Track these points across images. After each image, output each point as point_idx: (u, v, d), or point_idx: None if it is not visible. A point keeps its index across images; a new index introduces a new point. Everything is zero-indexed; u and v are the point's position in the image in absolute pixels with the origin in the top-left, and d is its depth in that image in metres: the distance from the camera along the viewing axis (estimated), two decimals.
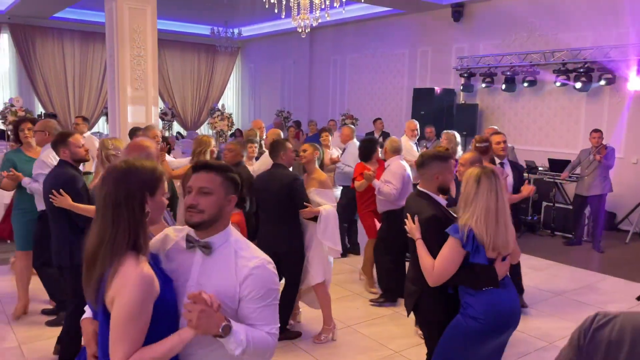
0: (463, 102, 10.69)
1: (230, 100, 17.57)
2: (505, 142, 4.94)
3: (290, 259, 4.17)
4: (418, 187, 3.06)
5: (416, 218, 2.83)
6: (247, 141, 5.77)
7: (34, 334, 4.34)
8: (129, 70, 7.75)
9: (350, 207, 6.12)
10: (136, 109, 7.84)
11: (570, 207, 8.03)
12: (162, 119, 14.39)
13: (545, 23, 9.33)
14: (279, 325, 1.84)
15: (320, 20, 6.65)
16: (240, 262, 1.76)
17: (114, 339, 1.58)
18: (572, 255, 7.11)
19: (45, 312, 4.69)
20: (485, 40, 10.29)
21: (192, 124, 16.63)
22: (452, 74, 10.87)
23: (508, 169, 4.93)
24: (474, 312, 2.64)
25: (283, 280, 4.22)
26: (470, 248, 2.59)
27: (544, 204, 8.39)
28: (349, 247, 6.74)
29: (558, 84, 8.89)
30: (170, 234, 1.89)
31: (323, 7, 6.38)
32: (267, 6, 6.47)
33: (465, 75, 10.24)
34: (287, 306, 4.27)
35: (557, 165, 8.26)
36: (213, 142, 4.99)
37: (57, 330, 4.08)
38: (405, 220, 2.89)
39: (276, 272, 1.83)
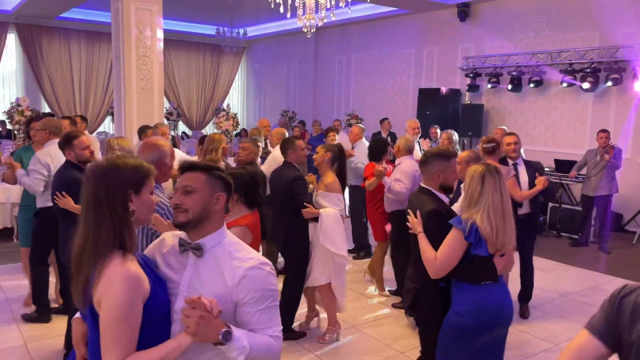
0: (469, 102, 10.65)
1: (235, 100, 17.60)
2: (516, 143, 4.86)
3: (290, 257, 4.29)
4: (421, 184, 3.09)
5: (418, 212, 2.86)
6: (241, 141, 5.81)
7: (40, 333, 4.35)
8: (135, 70, 7.77)
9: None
10: (142, 108, 7.87)
11: (577, 207, 8.00)
12: (168, 119, 14.43)
13: (552, 23, 9.29)
14: (282, 327, 1.78)
15: (325, 20, 6.66)
16: (234, 264, 1.70)
17: (105, 342, 1.53)
18: (579, 256, 7.07)
19: (51, 310, 4.71)
20: (491, 40, 10.25)
21: (197, 124, 16.67)
22: (457, 74, 10.83)
23: (522, 169, 4.87)
24: (458, 307, 2.69)
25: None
26: (472, 239, 2.62)
27: (550, 204, 8.35)
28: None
29: (565, 84, 8.84)
30: (167, 238, 1.86)
31: (328, 7, 6.38)
32: (272, 6, 6.48)
33: (471, 75, 10.21)
34: (289, 305, 4.28)
35: (564, 165, 8.22)
36: (225, 140, 5.04)
37: (63, 330, 4.11)
38: (408, 216, 2.91)
39: (274, 273, 1.78)
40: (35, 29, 13.36)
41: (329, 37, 13.85)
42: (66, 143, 3.88)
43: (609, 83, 8.27)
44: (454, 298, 2.74)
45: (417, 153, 6.28)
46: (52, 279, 4.73)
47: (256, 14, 12.86)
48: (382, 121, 9.73)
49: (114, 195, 1.62)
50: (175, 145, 9.24)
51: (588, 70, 8.44)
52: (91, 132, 13.96)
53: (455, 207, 3.08)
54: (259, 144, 5.90)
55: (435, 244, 2.72)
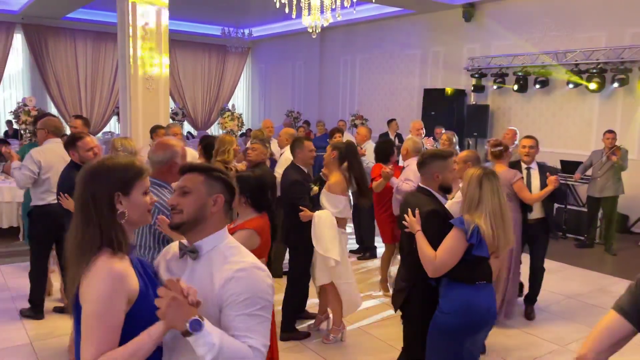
0: (474, 102, 10.62)
1: (240, 100, 17.63)
2: (532, 147, 4.82)
3: (293, 256, 4.39)
4: (419, 183, 3.11)
5: (416, 211, 2.87)
6: (252, 142, 5.81)
7: (46, 332, 4.37)
8: (141, 70, 7.80)
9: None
10: (147, 108, 7.89)
11: (582, 209, 7.96)
12: (173, 119, 14.45)
13: (558, 23, 9.25)
14: (267, 342, 1.62)
15: (331, 21, 6.65)
16: (225, 267, 1.63)
17: (83, 339, 1.50)
18: (584, 257, 7.04)
19: (56, 309, 4.73)
20: (496, 40, 10.22)
21: (202, 124, 16.70)
22: (463, 74, 10.80)
23: (535, 174, 4.82)
24: (445, 306, 2.72)
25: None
26: (474, 240, 2.64)
27: (556, 205, 8.31)
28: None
29: (571, 85, 8.80)
30: (174, 246, 1.85)
31: (334, 7, 6.36)
32: (277, 6, 6.47)
33: (477, 75, 10.17)
34: (292, 305, 4.33)
35: (569, 166, 8.17)
36: (236, 142, 5.08)
37: (68, 329, 4.12)
38: (405, 215, 2.92)
39: (268, 280, 1.66)
40: (42, 29, 13.42)
41: (334, 37, 13.85)
42: (70, 144, 3.94)
43: (616, 84, 8.23)
44: (443, 297, 2.77)
45: None
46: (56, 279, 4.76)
47: (261, 15, 12.87)
48: (389, 122, 9.68)
49: (100, 197, 1.59)
50: None
51: (594, 70, 8.39)
52: (97, 132, 14.03)
53: (447, 205, 3.09)
54: (269, 144, 5.90)
55: (434, 244, 2.75)
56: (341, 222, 4.21)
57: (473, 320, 2.71)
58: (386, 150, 5.38)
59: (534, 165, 4.89)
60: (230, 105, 13.65)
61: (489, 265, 2.75)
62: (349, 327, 4.50)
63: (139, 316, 1.55)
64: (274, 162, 5.93)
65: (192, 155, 5.54)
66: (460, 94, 10.66)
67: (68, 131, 6.21)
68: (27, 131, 9.82)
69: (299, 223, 4.15)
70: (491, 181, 2.72)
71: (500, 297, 4.61)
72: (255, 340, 1.57)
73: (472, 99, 10.68)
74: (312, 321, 4.63)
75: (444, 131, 8.60)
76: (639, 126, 8.34)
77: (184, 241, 1.76)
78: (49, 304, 4.78)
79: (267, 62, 16.90)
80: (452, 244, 2.68)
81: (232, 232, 2.26)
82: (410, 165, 5.05)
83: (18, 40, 13.48)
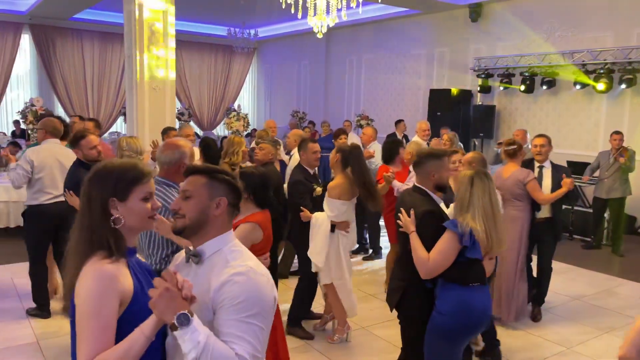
0: (480, 103, 10.59)
1: (246, 100, 17.66)
2: (542, 146, 4.79)
3: (299, 255, 4.46)
4: (415, 183, 3.10)
5: (412, 211, 2.87)
6: (257, 142, 5.83)
7: (52, 330, 4.40)
8: (147, 70, 7.83)
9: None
10: (154, 108, 7.92)
11: (589, 210, 7.91)
12: (179, 119, 14.48)
13: (565, 23, 9.20)
14: (259, 354, 1.56)
15: (336, 21, 6.64)
16: (225, 270, 1.59)
17: (78, 340, 1.49)
18: (591, 259, 7.00)
19: (65, 308, 4.75)
20: (503, 40, 10.18)
21: (208, 124, 16.74)
22: (469, 74, 10.77)
23: (547, 173, 4.80)
24: (442, 308, 2.73)
25: None
26: (468, 243, 2.65)
27: (563, 206, 8.26)
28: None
29: (578, 86, 8.75)
30: (183, 252, 1.83)
31: (339, 7, 6.36)
32: (283, 7, 6.48)
33: (483, 76, 10.14)
34: (297, 304, 4.42)
35: (576, 167, 8.11)
36: (245, 143, 5.10)
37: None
38: (399, 214, 2.93)
39: (268, 286, 1.61)
40: (49, 29, 13.50)
41: (340, 37, 13.84)
42: (74, 143, 4.04)
43: (623, 85, 8.17)
44: (439, 298, 2.78)
45: None
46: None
47: (267, 15, 12.89)
48: (397, 123, 9.65)
49: (95, 201, 1.60)
50: None
51: (602, 71, 8.34)
52: (104, 133, 14.09)
53: (448, 212, 3.09)
54: (279, 146, 5.90)
55: (428, 245, 2.75)
56: (340, 225, 4.15)
57: (470, 321, 2.72)
58: (391, 150, 5.36)
59: (547, 165, 4.86)
60: (236, 106, 13.68)
61: (483, 267, 2.76)
62: (354, 328, 4.50)
63: (134, 317, 1.53)
64: (284, 164, 5.95)
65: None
66: (466, 94, 10.62)
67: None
68: (34, 131, 9.88)
69: (302, 223, 4.20)
70: (483, 181, 2.72)
71: (506, 298, 4.59)
72: (242, 347, 1.51)
73: (479, 99, 10.64)
74: (317, 321, 4.64)
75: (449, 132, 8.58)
76: None
77: (190, 246, 1.74)
78: (55, 303, 4.81)
79: (272, 62, 16.92)
80: (444, 247, 2.69)
81: (234, 226, 2.25)
82: None
83: (25, 40, 13.57)
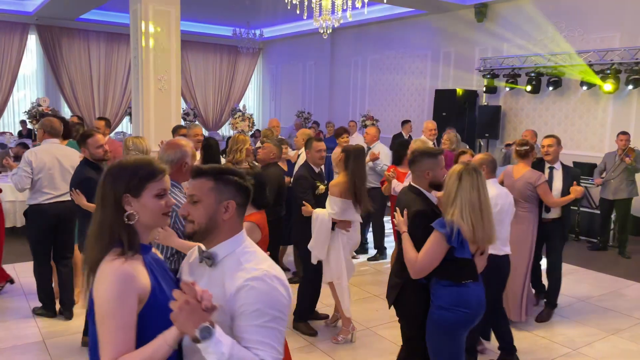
0: (486, 103, 10.55)
1: (251, 101, 17.68)
2: (550, 146, 4.77)
3: (301, 252, 4.49)
4: (410, 182, 3.11)
5: (405, 212, 2.90)
6: (262, 141, 5.87)
7: (58, 329, 4.42)
8: (153, 70, 7.86)
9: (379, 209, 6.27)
10: (159, 109, 7.95)
11: (596, 211, 7.87)
12: (184, 119, 14.53)
13: (571, 23, 9.16)
14: (281, 356, 1.57)
15: (342, 21, 6.64)
16: (237, 275, 1.58)
17: (100, 341, 1.49)
18: (597, 260, 6.96)
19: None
20: (509, 40, 10.14)
21: (213, 125, 16.77)
22: (474, 75, 10.74)
23: (558, 175, 4.78)
24: (441, 302, 2.75)
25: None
26: (456, 243, 2.65)
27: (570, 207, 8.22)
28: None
29: (585, 86, 8.71)
30: (197, 249, 1.82)
31: (345, 7, 6.36)
32: (288, 7, 6.49)
33: (488, 76, 10.10)
34: (301, 300, 4.44)
35: (583, 168, 8.09)
36: (249, 141, 5.11)
37: (81, 327, 4.17)
38: (395, 213, 2.97)
39: (282, 290, 1.59)
40: (56, 30, 13.57)
41: (345, 38, 13.84)
42: (81, 142, 4.06)
43: (630, 86, 8.12)
44: (435, 294, 2.79)
45: None
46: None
47: (272, 15, 12.90)
48: (404, 123, 9.62)
49: (108, 197, 1.61)
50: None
51: (608, 71, 8.29)
52: (109, 132, 14.13)
53: None
54: (284, 145, 5.89)
55: (419, 245, 2.77)
56: (341, 224, 4.18)
57: (466, 314, 2.73)
58: (399, 152, 5.47)
59: (557, 166, 4.84)
60: (241, 106, 13.71)
61: (474, 264, 2.77)
62: (359, 328, 4.50)
63: (152, 314, 1.54)
64: (291, 164, 5.96)
65: None
66: (471, 94, 10.59)
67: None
68: None
69: (304, 220, 4.26)
70: (471, 176, 2.71)
71: (517, 296, 4.56)
72: (265, 352, 1.52)
73: (484, 100, 10.61)
74: (321, 321, 4.66)
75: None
76: None
77: (202, 246, 1.73)
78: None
79: (278, 62, 16.94)
80: (431, 248, 2.70)
81: None
82: None
83: (32, 41, 13.63)
